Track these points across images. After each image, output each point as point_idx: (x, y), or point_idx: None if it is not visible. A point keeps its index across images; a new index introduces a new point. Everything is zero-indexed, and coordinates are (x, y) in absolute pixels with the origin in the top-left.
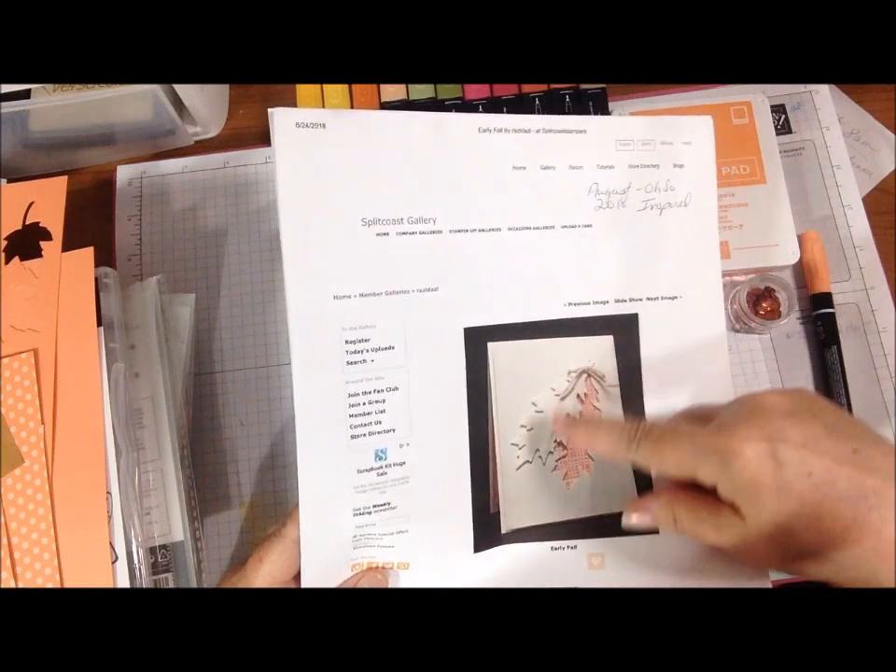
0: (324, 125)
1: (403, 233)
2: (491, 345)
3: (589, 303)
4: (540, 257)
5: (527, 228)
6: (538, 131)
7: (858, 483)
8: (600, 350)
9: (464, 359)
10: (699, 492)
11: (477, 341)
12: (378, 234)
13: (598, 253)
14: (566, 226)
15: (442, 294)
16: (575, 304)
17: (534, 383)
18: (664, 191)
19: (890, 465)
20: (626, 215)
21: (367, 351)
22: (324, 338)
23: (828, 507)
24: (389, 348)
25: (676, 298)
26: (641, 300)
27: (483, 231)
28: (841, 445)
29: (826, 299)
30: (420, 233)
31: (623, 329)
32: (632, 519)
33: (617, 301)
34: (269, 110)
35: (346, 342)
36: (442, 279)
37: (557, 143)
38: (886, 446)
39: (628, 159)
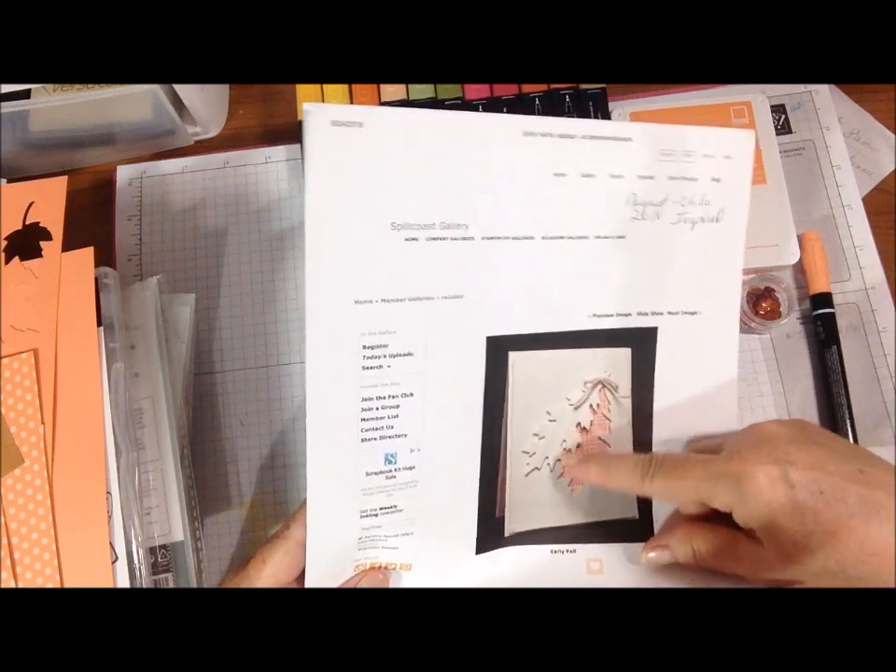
0: (361, 124)
1: (433, 239)
2: (512, 355)
3: (612, 315)
4: (571, 267)
5: (561, 237)
6: (583, 136)
7: (868, 499)
8: (617, 362)
9: (483, 368)
10: (713, 523)
11: (498, 350)
12: (407, 239)
13: (628, 265)
14: (599, 236)
15: (468, 302)
16: (599, 316)
17: (550, 392)
18: (698, 205)
19: (893, 482)
20: (660, 227)
21: (384, 357)
22: (341, 342)
23: (842, 523)
24: (408, 355)
25: (695, 313)
26: (662, 313)
27: (516, 238)
28: (847, 465)
29: (826, 299)
30: (451, 239)
31: (642, 342)
32: (650, 556)
33: (639, 313)
34: (303, 106)
35: (364, 346)
36: (469, 287)
37: (601, 150)
38: (887, 465)
39: (669, 170)
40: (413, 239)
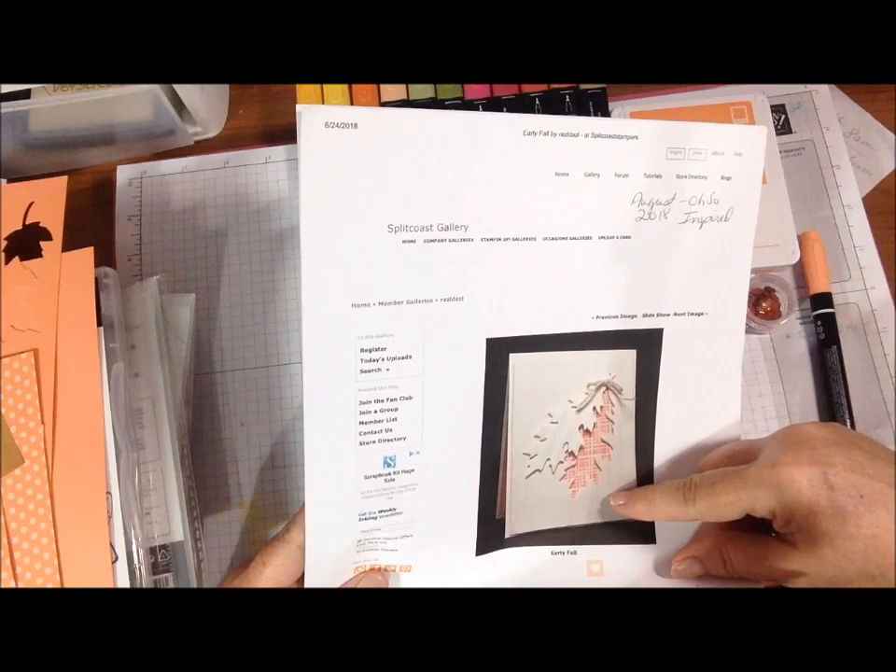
0: (356, 125)
1: (431, 241)
2: (513, 357)
3: (617, 317)
4: (574, 268)
5: (564, 238)
6: (586, 135)
7: None
8: (622, 364)
9: (483, 370)
10: (741, 530)
11: (499, 352)
12: (404, 241)
13: (633, 266)
14: (604, 237)
15: (467, 304)
16: (603, 317)
17: (552, 394)
18: (707, 204)
19: None
20: (667, 227)
21: (382, 360)
22: (338, 346)
23: (883, 527)
24: (406, 357)
25: (702, 314)
26: (668, 315)
27: (516, 239)
28: (887, 469)
29: (826, 299)
30: (449, 241)
31: (647, 344)
32: (680, 569)
33: (645, 315)
34: (297, 107)
35: (361, 350)
36: (468, 289)
37: (605, 148)
38: None
39: (677, 168)
40: (411, 241)
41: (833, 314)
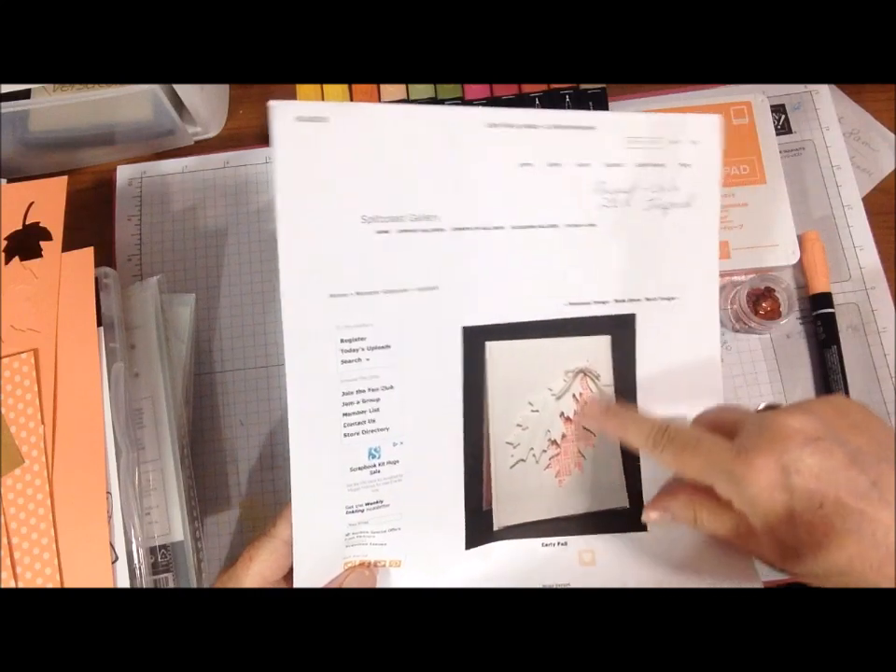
0: (326, 119)
1: (404, 231)
2: (489, 345)
3: (590, 303)
4: (544, 256)
5: (531, 226)
6: (546, 126)
7: (869, 519)
8: (597, 350)
9: (461, 359)
10: (717, 497)
11: (475, 340)
12: (378, 232)
13: (601, 253)
14: (570, 224)
15: (442, 293)
16: (576, 304)
17: (531, 382)
18: (668, 191)
19: None
20: (631, 214)
21: (362, 350)
22: (318, 337)
23: (834, 541)
24: (385, 347)
25: (673, 299)
26: (640, 300)
27: (486, 229)
28: (860, 476)
29: (826, 299)
30: (422, 231)
31: (621, 329)
32: (651, 516)
33: (617, 301)
34: (268, 103)
35: (341, 340)
36: (443, 278)
37: (566, 139)
38: None
39: (636, 157)
40: (385, 231)
41: (833, 314)
